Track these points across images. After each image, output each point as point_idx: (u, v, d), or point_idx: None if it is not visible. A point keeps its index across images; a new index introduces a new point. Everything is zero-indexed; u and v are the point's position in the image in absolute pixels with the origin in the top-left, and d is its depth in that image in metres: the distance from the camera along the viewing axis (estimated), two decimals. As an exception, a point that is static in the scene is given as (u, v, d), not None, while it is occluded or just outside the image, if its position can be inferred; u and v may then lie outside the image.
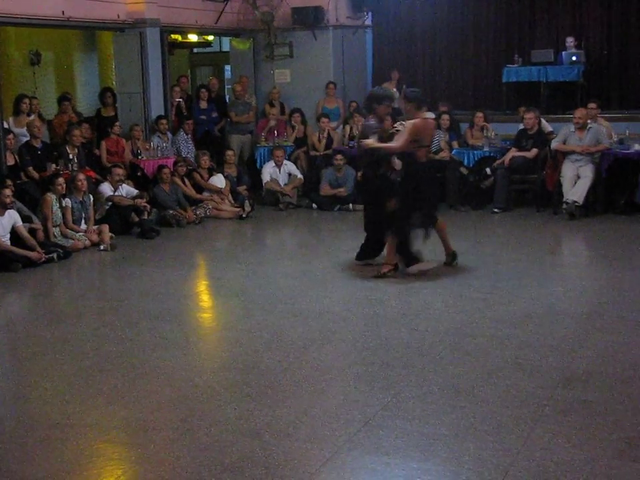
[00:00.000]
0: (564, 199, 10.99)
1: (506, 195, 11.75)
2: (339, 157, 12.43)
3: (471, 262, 8.78)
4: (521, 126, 11.86)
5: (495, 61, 14.62)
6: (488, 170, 11.93)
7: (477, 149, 12.26)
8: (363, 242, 8.65)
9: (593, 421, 4.73)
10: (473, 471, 4.20)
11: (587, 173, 10.97)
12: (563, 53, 13.54)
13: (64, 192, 10.16)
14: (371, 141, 8.08)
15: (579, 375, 5.47)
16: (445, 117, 12.70)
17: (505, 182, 11.68)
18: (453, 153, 12.31)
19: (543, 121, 12.04)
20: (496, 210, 11.63)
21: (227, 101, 14.97)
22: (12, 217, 9.31)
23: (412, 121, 8.05)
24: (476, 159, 12.19)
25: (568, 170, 11.09)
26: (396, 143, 8.07)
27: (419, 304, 7.34)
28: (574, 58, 13.45)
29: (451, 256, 8.47)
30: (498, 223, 11.26)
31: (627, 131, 11.54)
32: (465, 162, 12.17)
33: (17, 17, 10.95)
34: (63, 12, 11.42)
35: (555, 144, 11.34)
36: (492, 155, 12.13)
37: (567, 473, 4.14)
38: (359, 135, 9.12)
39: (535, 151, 11.58)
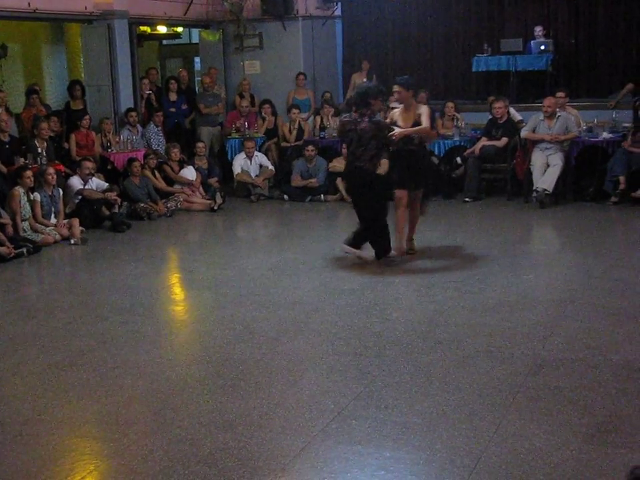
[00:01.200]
0: (534, 187, 11.06)
1: (477, 184, 11.81)
2: (310, 147, 12.43)
3: (442, 251, 8.84)
4: (491, 115, 11.91)
5: (464, 50, 14.69)
6: (458, 159, 11.99)
7: (447, 138, 12.30)
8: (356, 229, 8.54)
9: (563, 407, 4.77)
10: (445, 458, 4.22)
11: (557, 161, 11.05)
12: (532, 42, 13.63)
13: (32, 185, 10.06)
14: (400, 130, 8.23)
15: (550, 361, 5.52)
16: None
17: (475, 171, 11.74)
18: (423, 142, 12.31)
19: (512, 109, 12.11)
20: (467, 199, 11.68)
21: (197, 92, 14.90)
22: (-20, 211, 9.23)
23: (425, 106, 8.58)
24: (446, 148, 12.24)
25: (538, 158, 11.16)
26: (426, 125, 8.30)
27: (391, 294, 7.36)
28: (542, 47, 13.55)
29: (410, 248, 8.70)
30: (469, 212, 11.31)
31: (595, 119, 11.65)
32: (436, 151, 12.19)
33: (-18, 10, 10.83)
34: (29, 4, 11.30)
35: (524, 133, 11.41)
36: (462, 144, 12.19)
37: (538, 458, 4.18)
38: (339, 130, 9.13)
39: (504, 139, 11.64)
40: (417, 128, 8.28)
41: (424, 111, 8.36)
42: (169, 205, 11.63)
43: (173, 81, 13.93)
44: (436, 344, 5.95)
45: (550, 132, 11.12)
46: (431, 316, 6.62)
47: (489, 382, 5.19)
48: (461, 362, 5.56)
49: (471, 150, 11.87)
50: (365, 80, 14.51)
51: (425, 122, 8.28)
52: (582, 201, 11.25)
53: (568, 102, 11.79)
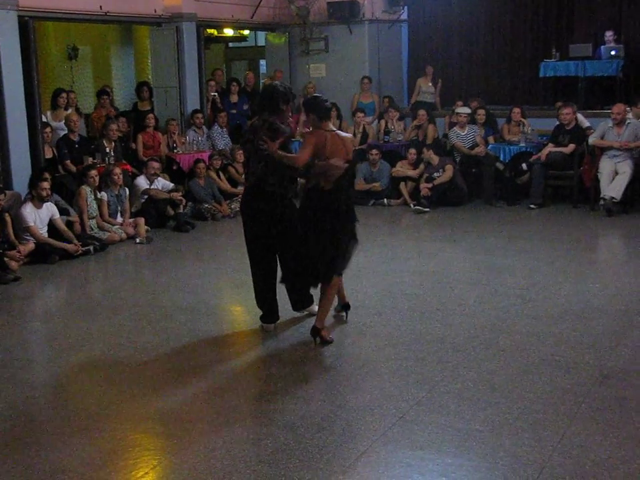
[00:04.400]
0: (601, 195, 10.88)
1: (542, 190, 11.66)
2: (374, 151, 12.41)
3: (506, 258, 8.74)
4: (558, 121, 11.75)
5: (532, 55, 14.49)
6: (524, 165, 11.86)
7: (513, 144, 12.18)
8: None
9: (630, 419, 4.68)
10: (508, 467, 4.17)
11: (625, 169, 10.85)
12: (602, 47, 13.38)
13: (97, 184, 10.26)
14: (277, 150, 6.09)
15: (616, 372, 5.42)
16: (481, 111, 12.63)
17: (541, 177, 11.60)
18: (488, 148, 12.23)
19: (580, 116, 11.93)
20: (532, 206, 11.54)
21: (261, 95, 14.98)
22: (49, 209, 9.44)
23: (312, 132, 6.25)
24: (512, 154, 12.10)
25: (606, 166, 10.97)
26: (298, 154, 6.26)
27: (453, 299, 7.31)
28: (613, 52, 13.28)
29: (345, 306, 6.81)
30: (534, 218, 11.17)
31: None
32: (501, 157, 12.08)
33: (57, 12, 11.06)
34: (101, 7, 11.51)
35: (592, 139, 11.23)
36: (528, 150, 12.04)
37: (603, 471, 4.10)
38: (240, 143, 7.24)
39: (572, 146, 11.47)
40: (283, 153, 6.09)
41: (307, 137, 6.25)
42: (232, 206, 11.72)
43: (234, 83, 14.05)
44: (499, 351, 5.89)
45: (619, 139, 10.92)
46: (494, 323, 6.55)
47: (553, 391, 5.12)
48: (525, 370, 5.49)
49: (537, 156, 11.72)
50: (429, 84, 14.48)
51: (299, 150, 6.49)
52: (650, 210, 11.05)
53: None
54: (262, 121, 6.28)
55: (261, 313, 6.61)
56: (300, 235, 6.19)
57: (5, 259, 8.57)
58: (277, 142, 6.08)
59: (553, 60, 13.73)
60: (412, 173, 12.15)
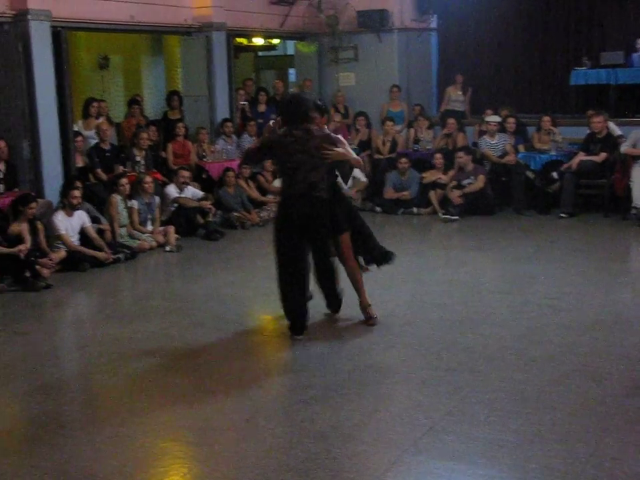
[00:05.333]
0: (633, 204, 10.78)
1: (573, 199, 11.57)
2: (403, 160, 12.40)
3: (536, 267, 8.68)
4: (589, 130, 11.66)
5: (562, 63, 14.39)
6: (555, 174, 11.78)
7: (543, 152, 12.10)
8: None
9: (664, 431, 4.63)
10: (539, 479, 4.13)
11: (658, 178, 10.75)
12: (634, 54, 13.27)
13: (128, 192, 10.34)
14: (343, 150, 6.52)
15: (650, 383, 5.36)
16: (511, 120, 12.57)
17: (572, 186, 11.51)
18: (519, 156, 12.17)
19: (612, 124, 11.83)
20: (563, 215, 11.45)
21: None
22: (81, 217, 9.52)
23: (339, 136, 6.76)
24: (543, 162, 12.03)
25: (638, 174, 10.86)
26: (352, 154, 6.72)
27: (483, 309, 7.26)
28: (644, 60, 13.18)
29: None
30: (564, 228, 11.08)
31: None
32: (532, 166, 12.01)
33: (89, 22, 11.17)
34: (132, 16, 11.61)
35: (624, 148, 11.13)
36: (559, 158, 11.96)
37: (637, 483, 4.06)
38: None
39: (603, 154, 11.38)
40: (353, 156, 6.65)
41: (344, 141, 6.72)
42: (262, 215, 11.75)
43: (262, 92, 14.10)
44: (530, 361, 5.84)
45: (652, 148, 10.83)
46: (525, 333, 6.51)
47: (585, 402, 5.07)
48: (556, 381, 5.44)
49: (567, 165, 11.64)
50: (459, 93, 14.44)
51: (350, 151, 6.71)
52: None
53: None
54: (302, 131, 6.40)
55: (289, 323, 6.63)
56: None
57: (37, 266, 8.65)
58: (340, 147, 6.49)
59: (584, 68, 13.62)
60: (442, 177, 12.12)
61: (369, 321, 6.84)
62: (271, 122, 6.82)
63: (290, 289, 6.56)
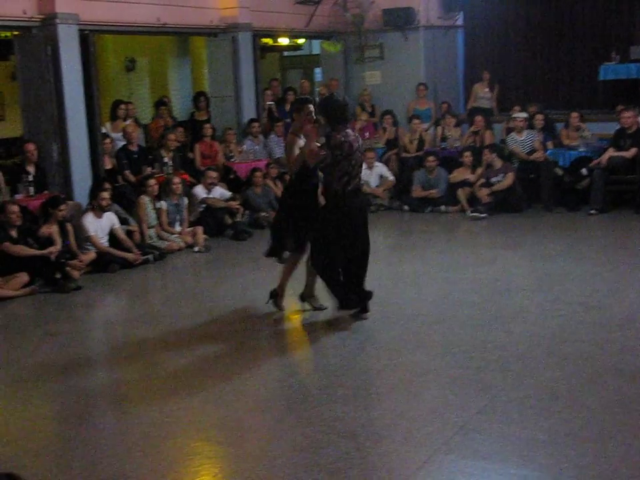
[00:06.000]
0: (664, 200, 10.66)
1: (603, 196, 11.44)
2: (430, 158, 12.35)
3: (566, 265, 8.60)
4: (619, 125, 11.55)
5: (590, 58, 14.27)
6: (584, 170, 11.66)
7: (572, 149, 12.00)
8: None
9: (699, 429, 4.56)
10: (573, 479, 4.09)
11: (689, 173, 10.62)
12: (664, 48, 13.14)
13: (156, 193, 10.39)
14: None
15: (684, 381, 5.30)
16: (539, 116, 12.48)
17: (601, 183, 11.39)
18: (547, 153, 12.07)
19: (642, 119, 11.71)
20: (592, 211, 11.34)
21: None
22: (110, 219, 9.58)
23: None
24: (571, 159, 11.93)
25: (669, 170, 10.75)
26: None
27: (513, 307, 7.21)
28: (675, 53, 13.04)
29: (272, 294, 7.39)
30: (594, 224, 10.98)
31: None
32: (560, 162, 11.92)
33: (116, 25, 11.25)
34: (159, 19, 11.67)
35: (655, 143, 11.01)
36: (588, 155, 11.85)
37: (673, 482, 4.01)
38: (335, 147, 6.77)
39: (633, 150, 11.25)
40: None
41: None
42: (289, 215, 11.74)
43: (290, 92, 14.11)
44: (562, 360, 5.79)
45: (682, 142, 10.70)
46: (556, 331, 6.45)
47: (618, 401, 5.01)
48: (589, 379, 5.39)
49: (597, 161, 11.52)
50: (486, 90, 14.36)
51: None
52: None
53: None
54: (352, 129, 6.98)
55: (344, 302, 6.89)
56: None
57: (67, 268, 8.72)
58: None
59: (612, 63, 13.50)
60: (470, 176, 12.06)
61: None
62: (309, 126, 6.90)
63: (338, 275, 6.89)
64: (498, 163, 11.82)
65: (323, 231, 6.82)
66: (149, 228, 10.23)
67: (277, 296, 7.34)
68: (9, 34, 11.06)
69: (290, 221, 7.03)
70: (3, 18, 9.80)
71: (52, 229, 8.92)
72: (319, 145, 6.79)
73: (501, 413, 4.90)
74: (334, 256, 6.84)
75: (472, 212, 11.57)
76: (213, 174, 11.33)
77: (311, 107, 6.96)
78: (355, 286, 6.97)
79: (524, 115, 12.55)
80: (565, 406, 4.97)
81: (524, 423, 4.74)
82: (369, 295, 7.02)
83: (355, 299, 6.91)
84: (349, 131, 6.80)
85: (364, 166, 12.61)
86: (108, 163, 10.90)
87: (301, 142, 6.92)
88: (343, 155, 6.63)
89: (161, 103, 13.07)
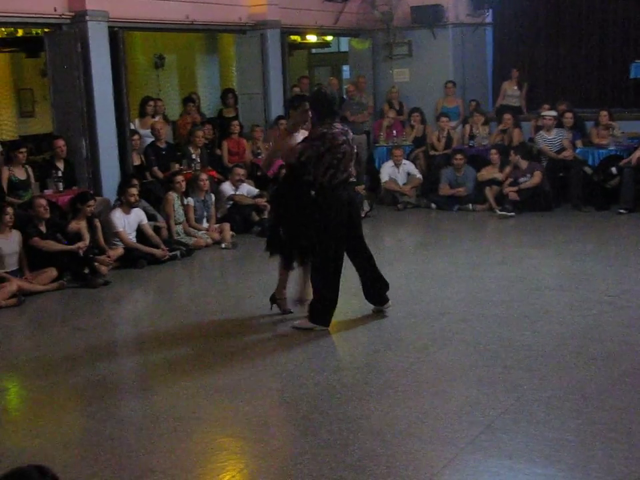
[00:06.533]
0: (695, 200, 10.54)
1: (633, 194, 11.33)
2: (458, 156, 12.30)
3: (595, 264, 8.53)
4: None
5: (621, 56, 14.13)
6: (614, 169, 11.56)
7: (602, 147, 11.91)
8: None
9: None
10: (600, 479, 4.06)
11: None
12: (695, 46, 12.99)
13: (183, 190, 10.43)
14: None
15: None
16: (569, 115, 12.39)
17: (631, 181, 11.28)
18: (577, 152, 11.99)
19: (673, 118, 11.60)
20: (622, 211, 11.23)
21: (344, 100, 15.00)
22: (138, 215, 9.63)
23: None
24: (601, 157, 11.83)
25: (700, 169, 10.63)
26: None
27: (541, 306, 7.16)
28: None
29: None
30: (624, 224, 10.88)
31: None
32: (590, 161, 11.83)
33: (145, 22, 11.29)
34: (188, 16, 11.71)
35: (686, 142, 10.90)
36: (618, 153, 11.75)
37: (702, 484, 3.96)
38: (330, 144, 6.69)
39: (664, 149, 11.15)
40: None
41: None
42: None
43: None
44: (590, 360, 5.75)
45: None
46: (584, 330, 6.40)
47: (647, 401, 4.97)
48: (617, 379, 5.34)
49: (627, 160, 11.42)
50: (515, 88, 14.27)
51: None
52: None
53: None
54: (340, 123, 6.85)
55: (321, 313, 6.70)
56: None
57: (95, 263, 8.79)
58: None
59: (644, 60, 13.38)
60: (498, 174, 11.99)
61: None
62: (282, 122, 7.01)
63: (337, 279, 6.71)
64: (524, 164, 11.74)
65: (319, 231, 6.73)
66: (176, 224, 10.28)
67: (276, 300, 7.23)
68: (39, 31, 11.16)
69: (283, 222, 7.02)
70: (33, 15, 9.88)
71: (80, 225, 9.00)
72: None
73: (528, 413, 4.87)
74: (332, 259, 6.70)
75: (500, 210, 11.51)
76: (241, 171, 11.36)
77: (307, 104, 6.97)
78: (373, 280, 6.99)
79: (553, 113, 12.46)
80: (593, 406, 4.93)
81: (551, 423, 4.71)
82: (385, 286, 7.04)
83: (328, 320, 6.72)
84: (337, 124, 6.73)
85: (390, 163, 12.72)
86: (136, 159, 10.95)
87: (297, 138, 6.92)
88: (325, 147, 6.57)
89: (189, 100, 13.10)
